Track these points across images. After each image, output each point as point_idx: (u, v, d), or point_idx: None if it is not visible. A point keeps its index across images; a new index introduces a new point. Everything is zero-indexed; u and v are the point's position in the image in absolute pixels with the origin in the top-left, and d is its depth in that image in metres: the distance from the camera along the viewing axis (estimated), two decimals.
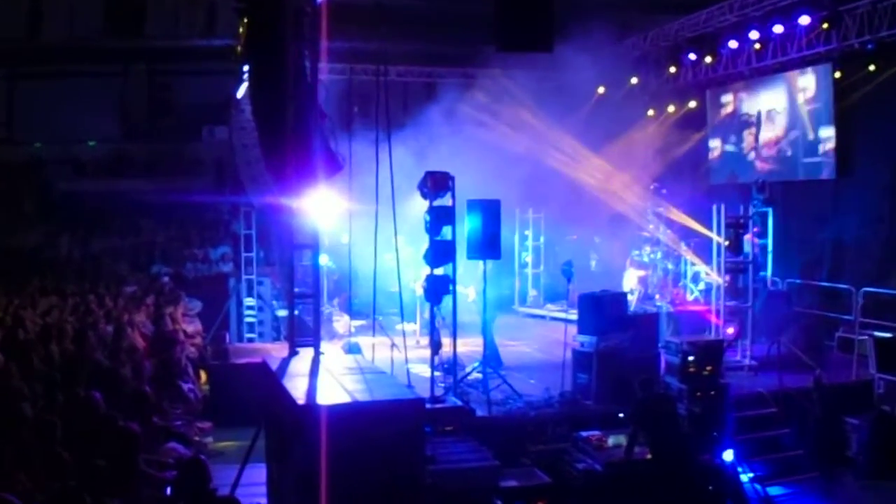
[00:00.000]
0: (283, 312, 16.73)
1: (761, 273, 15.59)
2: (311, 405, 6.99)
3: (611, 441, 10.82)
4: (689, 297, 17.69)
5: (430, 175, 11.86)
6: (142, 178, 22.02)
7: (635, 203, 20.40)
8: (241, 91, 17.64)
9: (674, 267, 18.49)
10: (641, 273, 18.84)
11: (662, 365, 12.19)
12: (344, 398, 7.22)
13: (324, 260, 17.36)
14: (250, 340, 17.64)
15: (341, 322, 17.11)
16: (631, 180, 20.37)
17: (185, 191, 20.81)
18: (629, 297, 16.31)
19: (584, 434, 10.95)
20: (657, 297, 18.02)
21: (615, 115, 20.47)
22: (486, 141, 18.92)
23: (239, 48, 13.54)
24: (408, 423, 7.09)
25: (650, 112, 22.07)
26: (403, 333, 12.09)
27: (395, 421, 6.99)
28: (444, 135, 18.53)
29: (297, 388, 7.51)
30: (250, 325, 17.99)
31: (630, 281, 18.72)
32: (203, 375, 13.97)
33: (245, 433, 9.84)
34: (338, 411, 6.88)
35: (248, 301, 18.01)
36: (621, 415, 11.29)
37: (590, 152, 20.50)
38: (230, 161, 20.36)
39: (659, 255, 18.70)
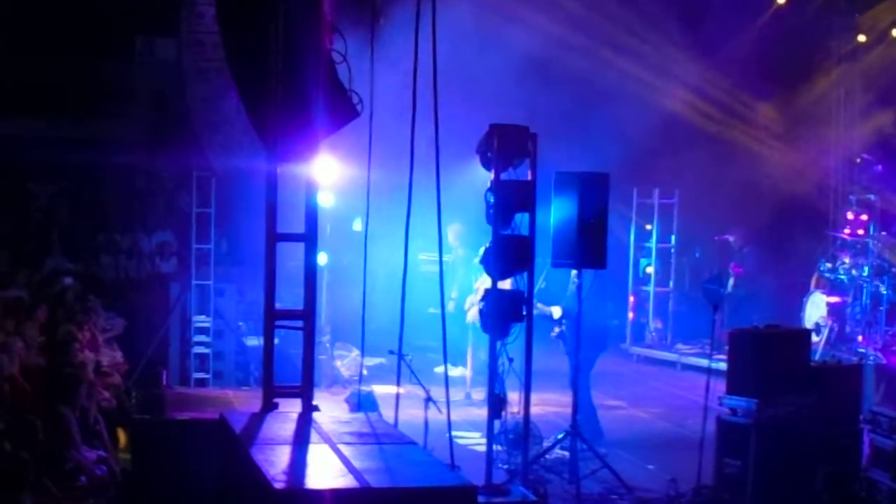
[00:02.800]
0: (254, 341, 16.85)
1: None
2: (295, 491, 7.04)
3: None
4: None
5: (497, 131, 11.91)
6: (31, 119, 22.13)
7: (827, 185, 20.29)
8: None
9: (888, 292, 18.36)
10: (834, 300, 18.72)
11: (865, 450, 12.10)
12: (346, 482, 7.24)
13: (323, 259, 17.56)
14: (201, 383, 17.77)
15: (348, 360, 17.22)
16: (820, 149, 20.25)
17: (103, 141, 20.96)
18: (814, 338, 16.19)
19: None
20: (860, 338, 17.92)
21: (800, 40, 20.36)
22: (580, 78, 18.95)
23: None
24: None
25: (861, 36, 21.86)
26: (446, 382, 12.12)
27: None
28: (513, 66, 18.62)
29: (273, 463, 7.55)
30: (201, 358, 18.12)
31: (816, 312, 18.62)
32: (122, 437, 14.08)
33: None
34: (339, 503, 6.93)
35: (200, 320, 18.17)
36: None
37: (754, 101, 20.43)
38: (178, 95, 20.46)
39: (866, 271, 18.57)
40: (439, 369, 14.16)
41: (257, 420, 9.05)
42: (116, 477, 12.39)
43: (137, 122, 22.10)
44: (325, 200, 16.94)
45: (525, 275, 12.06)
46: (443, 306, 11.68)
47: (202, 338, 18.13)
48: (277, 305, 10.07)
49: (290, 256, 11.85)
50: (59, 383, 12.64)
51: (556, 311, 14.73)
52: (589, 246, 12.66)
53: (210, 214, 18.16)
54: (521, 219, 11.97)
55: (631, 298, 21.87)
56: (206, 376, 17.95)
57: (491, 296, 12.02)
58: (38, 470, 10.31)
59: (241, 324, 18.21)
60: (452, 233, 18.22)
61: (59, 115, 21.88)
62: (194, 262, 18.19)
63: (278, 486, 7.03)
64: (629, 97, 19.56)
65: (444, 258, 18.39)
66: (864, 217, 18.93)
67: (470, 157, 12.25)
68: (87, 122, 21.64)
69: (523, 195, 11.89)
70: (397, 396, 12.34)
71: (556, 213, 12.71)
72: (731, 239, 21.29)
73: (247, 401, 12.43)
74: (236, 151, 15.95)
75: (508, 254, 11.91)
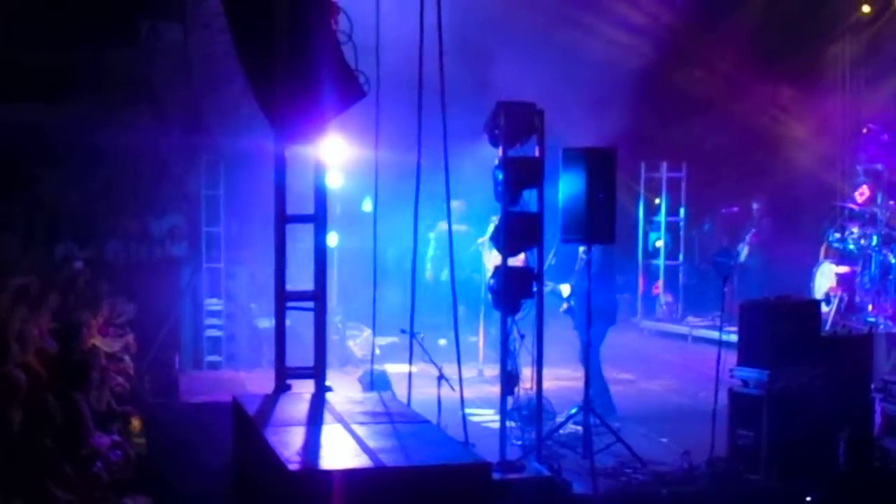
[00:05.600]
0: (266, 323, 16.84)
1: None
2: (308, 472, 7.01)
3: None
4: None
5: (503, 109, 11.84)
6: (39, 104, 22.06)
7: (833, 155, 20.23)
8: None
9: None
10: (843, 270, 18.68)
11: (877, 418, 12.09)
12: (361, 461, 7.23)
13: (334, 240, 17.55)
14: (214, 366, 17.81)
15: (360, 339, 17.20)
16: (827, 118, 20.17)
17: (111, 127, 20.87)
18: (824, 309, 16.15)
19: None
20: (870, 307, 17.91)
21: (805, 12, 20.29)
22: (588, 52, 18.90)
23: None
24: (462, 502, 7.10)
25: (865, 7, 21.75)
26: (458, 359, 12.09)
27: (443, 499, 7.02)
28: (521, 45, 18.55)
29: (287, 444, 7.54)
30: (214, 341, 18.19)
31: (825, 282, 18.59)
32: (135, 422, 14.07)
33: None
34: (352, 483, 6.90)
35: (212, 303, 18.16)
36: (810, 498, 11.14)
37: (760, 73, 20.37)
38: (185, 79, 20.42)
39: (874, 241, 18.50)
40: (442, 341, 14.19)
41: (270, 401, 9.04)
42: (132, 461, 12.37)
43: (144, 106, 22.01)
44: (334, 181, 16.95)
45: (535, 251, 12.02)
46: (453, 279, 11.68)
47: (214, 321, 18.18)
48: (288, 287, 10.02)
49: (300, 238, 11.83)
50: (70, 369, 12.60)
51: (566, 289, 14.70)
52: (598, 221, 12.57)
53: (219, 197, 18.17)
54: (530, 195, 11.93)
55: (640, 274, 21.82)
56: (219, 359, 18.01)
57: (502, 272, 11.96)
58: (58, 456, 10.31)
59: (252, 306, 18.21)
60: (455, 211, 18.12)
61: (66, 101, 21.75)
62: (204, 245, 18.17)
63: (292, 467, 7.02)
64: (634, 72, 19.48)
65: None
66: (871, 186, 18.80)
67: (478, 134, 12.18)
68: (94, 107, 21.50)
69: (531, 172, 11.83)
70: (410, 375, 12.34)
71: (564, 189, 12.63)
72: (755, 206, 21.22)
73: (259, 382, 12.45)
74: (244, 134, 15.94)
75: (517, 230, 11.87)
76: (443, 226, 17.08)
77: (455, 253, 11.84)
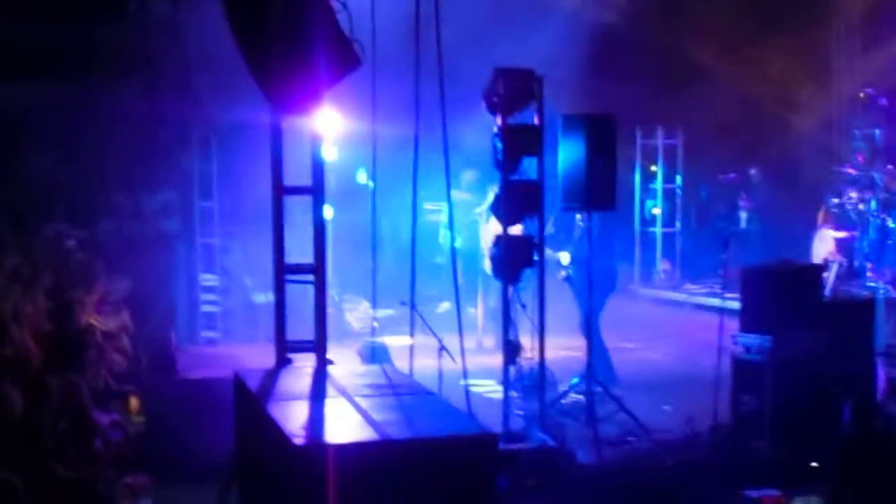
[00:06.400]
0: (262, 297, 16.82)
1: None
2: (314, 446, 6.91)
3: None
4: None
5: (502, 75, 11.80)
6: (26, 84, 21.90)
7: (831, 121, 20.20)
8: None
9: None
10: (842, 235, 18.67)
11: (881, 382, 12.12)
12: (366, 434, 7.17)
13: (329, 214, 17.49)
14: (210, 342, 17.77)
15: (357, 312, 17.16)
16: (824, 83, 20.13)
17: (101, 103, 20.75)
18: (824, 274, 16.12)
19: (753, 494, 10.80)
20: (869, 273, 17.90)
21: None
22: (583, 17, 18.85)
23: None
24: (469, 473, 7.02)
25: None
26: (460, 330, 12.05)
27: (449, 470, 6.95)
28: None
29: (290, 418, 7.46)
30: (210, 317, 18.15)
31: (824, 247, 18.58)
32: (134, 400, 14.02)
33: (204, 492, 9.77)
34: (357, 456, 6.84)
35: (207, 279, 18.11)
36: (814, 464, 11.17)
37: (755, 38, 20.33)
38: (176, 53, 20.31)
39: (872, 205, 18.48)
40: (446, 305, 14.15)
41: (272, 376, 8.97)
42: (131, 440, 12.35)
43: (135, 82, 21.90)
44: (329, 154, 16.88)
45: (536, 219, 12.00)
46: (453, 251, 11.66)
47: (210, 296, 18.15)
48: (286, 261, 9.94)
49: (295, 212, 11.75)
50: (66, 348, 12.57)
51: (565, 257, 14.67)
52: (598, 188, 12.62)
53: (212, 171, 18.14)
54: (529, 164, 11.91)
55: (638, 241, 21.83)
56: (215, 335, 17.98)
57: (501, 242, 11.92)
58: (58, 435, 10.29)
59: (247, 281, 18.15)
60: (466, 180, 18.02)
61: (54, 78, 21.63)
62: (198, 220, 18.14)
63: (297, 441, 6.93)
64: (627, 37, 19.45)
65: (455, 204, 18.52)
66: (869, 151, 18.80)
67: (475, 103, 12.12)
68: (83, 84, 21.40)
69: (530, 139, 11.82)
70: (411, 347, 12.31)
71: (564, 156, 12.65)
72: (753, 172, 21.21)
73: (257, 357, 12.31)
74: (238, 107, 15.84)
75: (517, 199, 11.85)
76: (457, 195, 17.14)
77: (462, 222, 11.83)
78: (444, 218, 18.57)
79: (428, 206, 18.78)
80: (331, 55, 9.81)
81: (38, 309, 13.76)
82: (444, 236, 18.58)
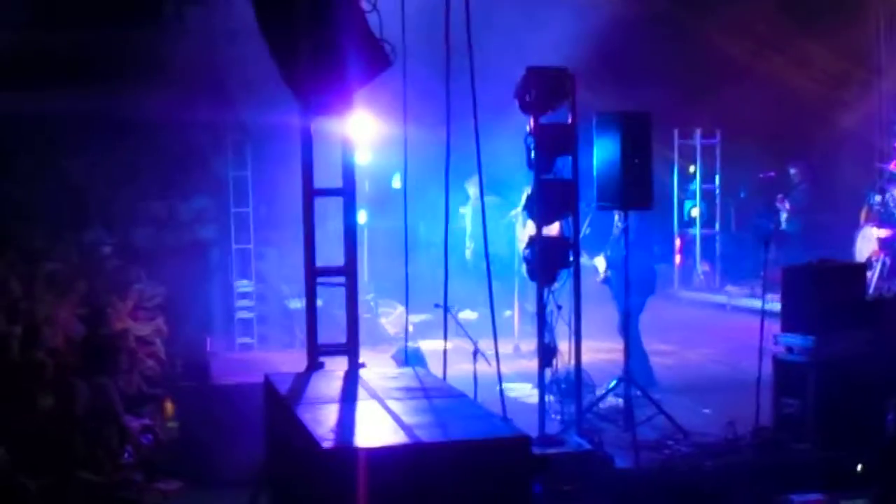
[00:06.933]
0: (297, 304, 16.80)
1: None
2: (343, 449, 6.83)
3: None
4: None
5: (534, 74, 11.70)
6: (60, 93, 21.94)
7: (871, 116, 20.08)
8: None
9: None
10: (885, 233, 18.51)
11: None
12: (398, 438, 7.08)
13: (363, 218, 17.48)
14: (246, 348, 17.73)
15: (393, 317, 17.10)
16: (865, 80, 19.96)
17: (136, 111, 20.79)
18: (867, 273, 15.98)
19: (797, 499, 10.75)
20: None
21: None
22: (619, 16, 18.76)
23: None
24: (505, 477, 6.94)
25: None
26: (494, 334, 11.94)
27: (485, 475, 6.85)
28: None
29: (320, 422, 7.39)
30: (246, 323, 18.14)
31: (868, 246, 18.43)
32: (169, 405, 14.02)
33: (237, 498, 9.83)
34: (388, 460, 6.76)
35: (243, 285, 18.10)
36: (860, 466, 11.09)
37: (794, 35, 20.23)
38: (210, 60, 20.33)
39: None
40: (462, 315, 14.09)
41: (302, 379, 8.90)
42: (163, 445, 12.33)
43: (169, 89, 21.97)
44: (363, 158, 16.88)
45: (570, 219, 11.93)
46: (487, 256, 11.53)
47: (245, 302, 18.18)
48: (318, 266, 9.88)
49: (331, 216, 11.70)
50: (98, 353, 12.60)
51: (601, 263, 14.59)
52: (633, 187, 12.50)
53: (247, 178, 18.15)
54: (563, 163, 11.82)
55: (677, 241, 21.73)
56: (251, 341, 18.01)
57: (536, 243, 11.83)
58: (87, 439, 10.28)
59: (284, 287, 18.13)
60: (472, 185, 17.96)
61: (91, 86, 21.70)
62: (233, 226, 18.15)
63: (326, 444, 6.86)
64: (665, 37, 19.36)
65: (461, 211, 18.50)
66: None
67: (508, 103, 12.04)
68: (119, 93, 21.47)
69: (564, 138, 11.73)
70: (445, 351, 12.22)
71: (599, 155, 12.61)
72: (793, 171, 21.05)
73: (292, 363, 12.28)
74: (271, 112, 15.84)
75: (552, 199, 11.76)
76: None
77: (490, 226, 11.73)
78: (468, 226, 18.56)
79: (463, 210, 18.74)
80: (360, 56, 9.86)
81: (71, 314, 13.82)
82: (469, 248, 18.52)
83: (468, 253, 18.38)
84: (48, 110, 20.57)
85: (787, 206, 20.68)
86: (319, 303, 10.18)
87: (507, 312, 17.15)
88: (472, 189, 18.04)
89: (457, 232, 17.96)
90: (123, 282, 16.77)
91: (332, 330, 10.55)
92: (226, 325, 18.00)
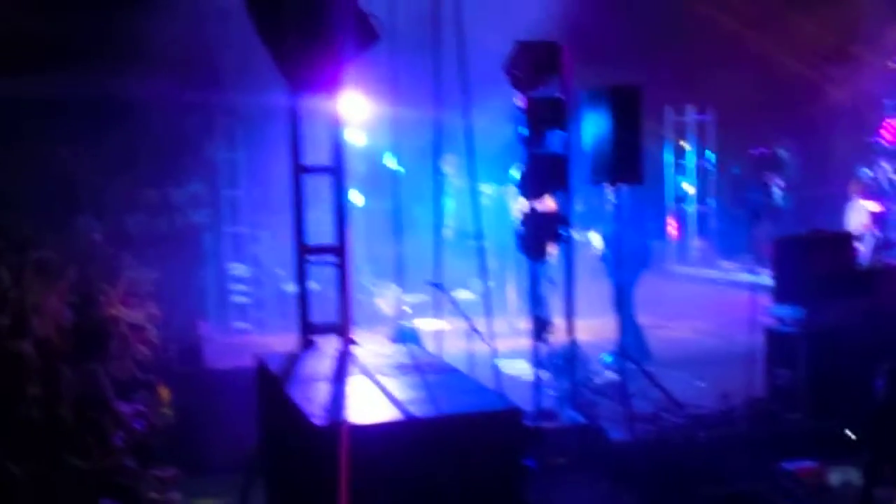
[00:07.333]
0: (293, 287, 16.76)
1: None
2: (334, 426, 6.76)
3: (834, 478, 10.70)
4: None
5: (524, 49, 11.69)
6: (48, 79, 21.83)
7: (862, 91, 20.06)
8: None
9: None
10: (875, 207, 18.47)
11: None
12: (390, 414, 7.03)
13: (360, 201, 17.42)
14: (241, 332, 17.72)
15: (388, 296, 17.06)
16: (853, 55, 19.90)
17: (125, 96, 20.72)
18: (859, 246, 15.98)
19: (790, 466, 10.79)
20: None
21: None
22: None
23: None
24: (498, 450, 6.91)
25: None
26: (488, 308, 11.87)
27: (477, 448, 6.83)
28: None
29: (312, 399, 7.33)
30: (241, 307, 18.10)
31: (858, 218, 18.41)
32: (163, 391, 13.96)
33: (233, 482, 9.79)
34: (380, 436, 6.73)
35: (237, 269, 18.04)
36: (850, 433, 11.16)
37: (785, 9, 20.23)
38: (199, 42, 20.23)
39: None
40: (458, 295, 14.05)
41: (294, 358, 8.87)
42: (157, 430, 12.27)
43: (159, 73, 21.91)
44: (357, 139, 16.82)
45: (562, 194, 11.98)
46: (481, 235, 11.50)
47: (240, 287, 18.11)
48: (308, 245, 9.81)
49: (326, 198, 11.64)
50: (88, 339, 12.53)
51: (596, 238, 14.57)
52: (624, 161, 12.41)
53: (238, 161, 18.09)
54: (554, 138, 11.79)
55: (671, 219, 21.74)
56: (247, 325, 17.94)
57: (528, 218, 11.80)
58: (77, 427, 10.21)
59: (279, 270, 18.08)
60: (450, 164, 17.85)
61: (81, 71, 21.63)
62: (226, 209, 18.08)
63: (318, 422, 6.81)
64: (657, 13, 19.30)
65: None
66: None
67: (499, 79, 11.99)
68: (107, 77, 21.40)
69: (555, 112, 11.74)
70: (440, 331, 12.21)
71: (589, 129, 12.55)
72: (781, 150, 21.09)
73: (288, 347, 12.27)
74: (262, 93, 15.77)
75: (543, 173, 11.75)
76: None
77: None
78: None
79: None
80: (348, 30, 9.74)
81: (61, 301, 13.75)
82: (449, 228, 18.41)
83: (448, 232, 18.26)
84: (37, 96, 20.48)
85: (780, 182, 20.69)
86: (317, 286, 10.14)
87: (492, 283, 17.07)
88: (450, 168, 17.88)
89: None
90: (114, 268, 16.69)
91: (330, 313, 10.51)
92: (221, 310, 17.98)
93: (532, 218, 11.85)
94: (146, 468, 11.28)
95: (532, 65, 11.64)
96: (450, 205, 18.35)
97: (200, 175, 20.09)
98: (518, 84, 11.72)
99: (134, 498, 10.06)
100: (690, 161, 22.02)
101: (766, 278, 13.50)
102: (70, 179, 20.80)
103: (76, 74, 20.56)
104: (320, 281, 12.41)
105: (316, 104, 10.16)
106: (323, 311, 10.17)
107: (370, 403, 7.27)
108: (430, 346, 12.52)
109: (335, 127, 10.01)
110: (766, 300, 12.94)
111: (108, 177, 20.82)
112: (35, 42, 20.41)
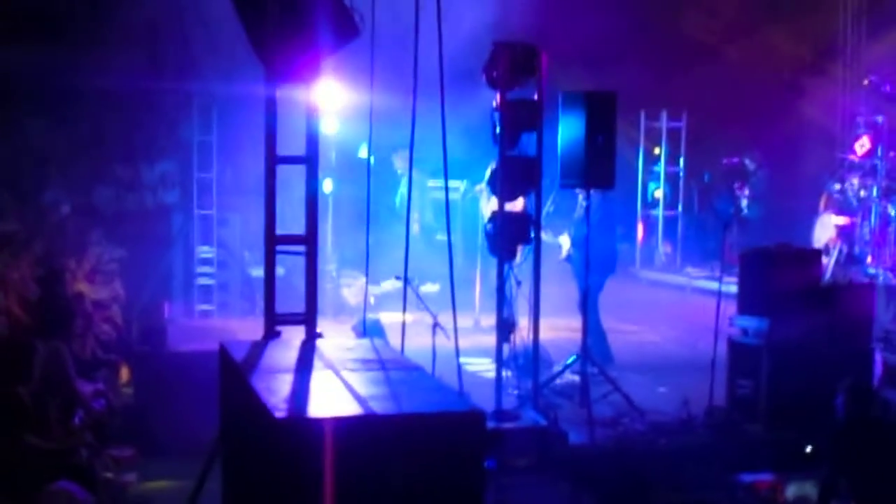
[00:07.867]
0: (259, 271, 16.68)
1: None
2: (296, 420, 6.73)
3: (791, 491, 10.67)
4: None
5: (502, 50, 11.66)
6: (23, 51, 21.64)
7: (834, 106, 20.10)
8: None
9: None
10: (843, 221, 18.53)
11: (878, 369, 12.14)
12: (350, 408, 6.96)
13: (328, 187, 17.34)
14: (206, 315, 17.64)
15: (354, 287, 17.02)
16: (829, 69, 19.95)
17: (100, 72, 20.54)
18: (823, 260, 16.00)
19: (748, 478, 10.83)
20: (869, 259, 17.79)
21: None
22: None
23: None
24: (457, 452, 6.83)
25: None
26: (454, 308, 11.82)
27: (437, 448, 6.77)
28: None
29: (274, 391, 7.25)
30: (206, 290, 18.05)
31: (825, 233, 18.46)
32: (124, 371, 13.88)
33: (190, 466, 9.73)
34: (341, 431, 6.60)
35: (204, 251, 17.96)
36: (809, 448, 11.21)
37: (761, 24, 20.27)
38: (176, 21, 20.10)
39: (874, 192, 18.33)
40: (425, 288, 14.01)
41: (258, 348, 8.78)
42: (115, 410, 12.18)
43: (135, 50, 21.73)
44: (330, 127, 16.74)
45: (533, 196, 11.99)
46: (448, 232, 11.44)
47: (206, 269, 18.07)
48: (278, 233, 9.75)
49: (295, 185, 11.57)
50: (53, 315, 12.44)
51: (565, 241, 14.55)
52: (597, 166, 12.47)
53: (212, 143, 18.01)
54: (528, 140, 11.80)
55: (640, 224, 21.74)
56: (211, 308, 17.92)
57: (499, 218, 11.79)
58: (36, 404, 10.13)
59: (245, 254, 18.01)
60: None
61: (54, 46, 21.42)
62: (196, 191, 18.02)
63: (279, 414, 6.74)
64: (633, 19, 19.32)
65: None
66: (871, 138, 18.67)
67: (477, 78, 11.97)
68: (83, 52, 21.22)
69: (530, 114, 11.73)
70: (403, 323, 12.15)
71: (564, 133, 12.54)
72: (748, 161, 21.12)
73: (251, 331, 12.19)
74: (238, 78, 15.70)
75: (515, 175, 11.76)
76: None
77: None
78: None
79: (431, 182, 18.61)
80: (329, 23, 9.69)
81: (25, 275, 13.64)
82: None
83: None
84: (9, 69, 20.25)
85: (746, 192, 20.72)
86: (281, 271, 10.07)
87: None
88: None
89: (431, 204, 17.97)
90: (81, 243, 16.55)
91: (294, 300, 10.43)
92: (186, 292, 17.92)
93: (501, 217, 11.82)
94: (103, 447, 11.21)
95: (509, 66, 11.60)
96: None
97: (172, 155, 19.97)
98: (494, 84, 11.70)
99: (90, 478, 9.97)
100: (661, 167, 22.01)
101: (732, 287, 13.49)
102: (40, 152, 20.62)
103: (52, 49, 20.38)
104: (284, 266, 12.34)
105: (292, 93, 10.13)
106: (286, 297, 10.14)
107: (333, 398, 7.21)
108: (393, 338, 12.42)
109: (311, 117, 9.97)
110: (731, 309, 12.93)
111: (78, 151, 20.66)
112: (6, 16, 20.30)
